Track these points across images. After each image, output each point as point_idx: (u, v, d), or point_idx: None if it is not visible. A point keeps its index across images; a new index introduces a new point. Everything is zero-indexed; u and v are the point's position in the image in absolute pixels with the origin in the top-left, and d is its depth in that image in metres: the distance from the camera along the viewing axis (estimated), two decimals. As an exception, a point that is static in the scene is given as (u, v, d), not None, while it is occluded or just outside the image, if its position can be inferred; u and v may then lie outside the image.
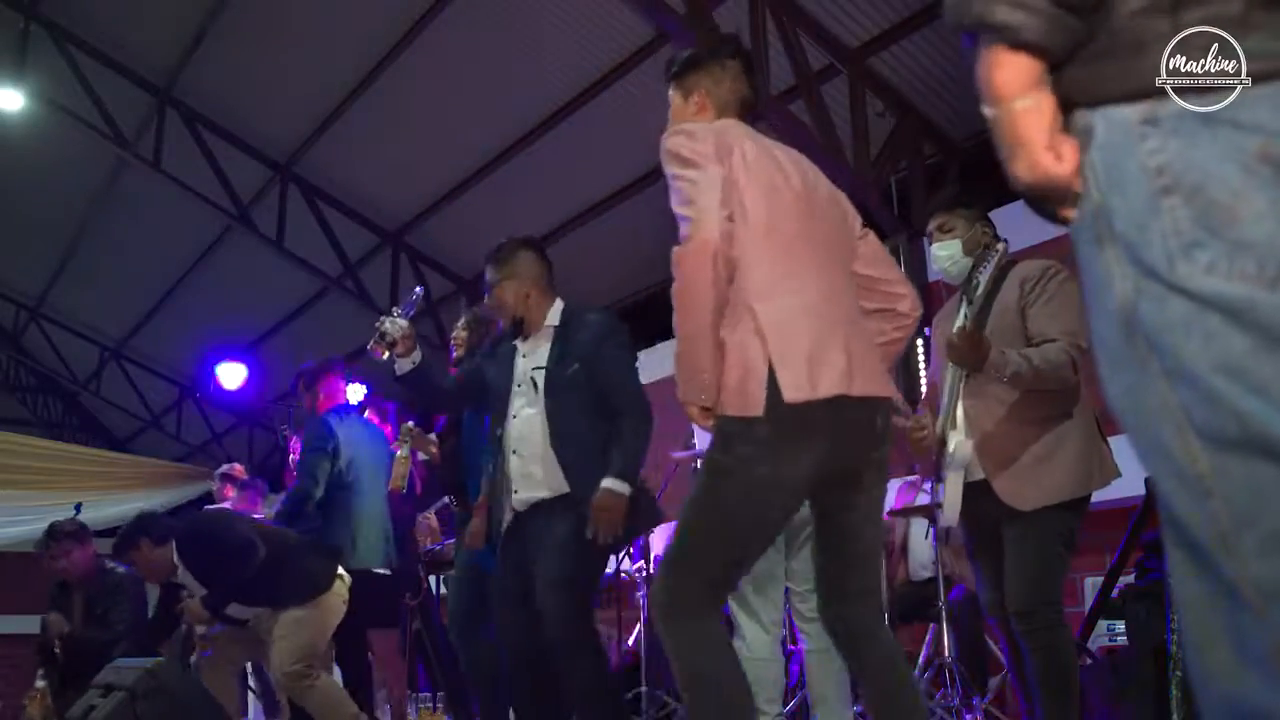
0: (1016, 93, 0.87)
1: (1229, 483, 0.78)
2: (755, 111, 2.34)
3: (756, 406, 1.93)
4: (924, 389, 3.18)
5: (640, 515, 3.09)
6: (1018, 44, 0.86)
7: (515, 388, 3.17)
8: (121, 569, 5.54)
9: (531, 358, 3.17)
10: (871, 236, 2.30)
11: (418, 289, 3.51)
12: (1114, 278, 0.83)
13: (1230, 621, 0.78)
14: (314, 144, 8.44)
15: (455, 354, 4.04)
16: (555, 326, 3.19)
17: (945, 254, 2.94)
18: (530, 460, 3.08)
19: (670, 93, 2.34)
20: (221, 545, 3.98)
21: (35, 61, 8.24)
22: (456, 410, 3.71)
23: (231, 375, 10.75)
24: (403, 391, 3.43)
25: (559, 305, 3.26)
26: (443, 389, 3.41)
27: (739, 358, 1.98)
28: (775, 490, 1.98)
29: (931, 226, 3.01)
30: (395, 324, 3.20)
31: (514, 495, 3.11)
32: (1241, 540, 0.77)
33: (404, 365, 3.24)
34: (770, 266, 2.02)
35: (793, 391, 1.92)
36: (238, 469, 6.97)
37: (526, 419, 3.11)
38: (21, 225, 10.86)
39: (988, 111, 0.89)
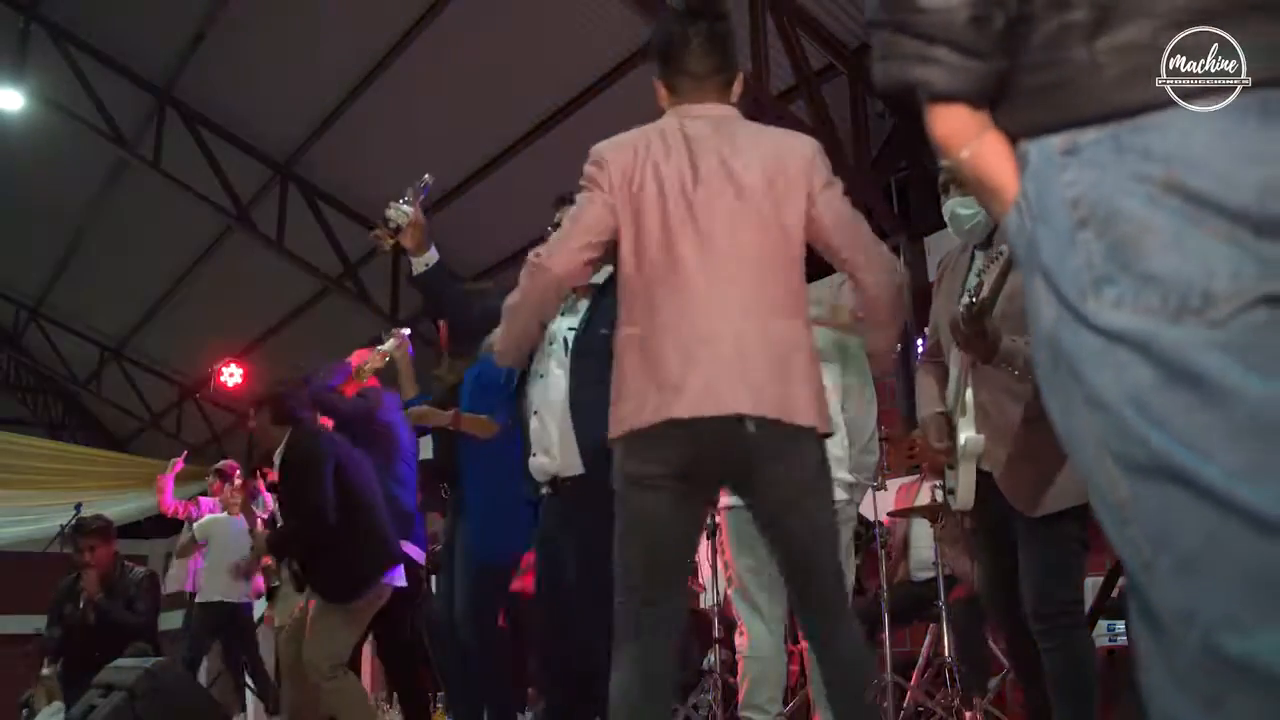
0: (960, 143, 0.90)
1: (1144, 508, 0.79)
2: (702, 81, 2.21)
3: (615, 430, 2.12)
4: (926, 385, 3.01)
5: None
6: (936, 97, 0.89)
7: (548, 346, 2.96)
8: (139, 569, 5.65)
9: (569, 316, 2.98)
10: (831, 196, 2.15)
11: (427, 176, 3.13)
12: (1042, 304, 0.85)
13: (1158, 642, 0.80)
14: (314, 144, 8.44)
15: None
16: (596, 286, 2.98)
17: (968, 212, 2.66)
18: (548, 424, 2.90)
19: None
20: (301, 489, 3.82)
21: (35, 61, 8.24)
22: (474, 329, 3.22)
23: (231, 375, 10.76)
24: (422, 299, 3.22)
25: (607, 269, 2.93)
26: (462, 295, 3.16)
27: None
28: (636, 513, 2.11)
29: (946, 179, 2.70)
30: (400, 210, 2.93)
31: (531, 459, 2.95)
32: (1158, 563, 0.78)
33: (418, 265, 2.99)
34: (631, 296, 2.15)
35: (616, 426, 2.10)
36: (231, 465, 7.03)
37: (554, 380, 2.92)
38: (21, 225, 10.85)
39: (944, 164, 0.93)
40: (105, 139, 8.52)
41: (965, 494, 2.67)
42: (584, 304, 2.98)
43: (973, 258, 2.74)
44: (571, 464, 2.84)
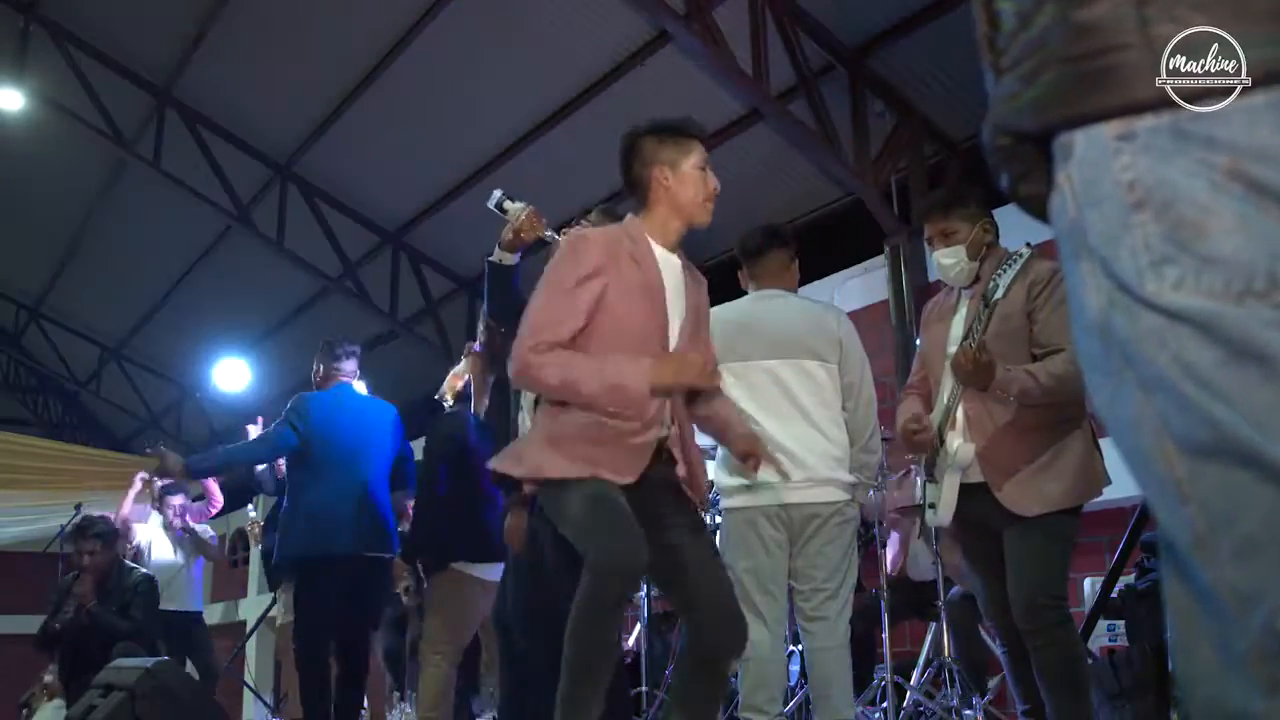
0: None
1: (1204, 488, 0.79)
2: None
3: None
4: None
5: None
6: None
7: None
8: (140, 571, 5.64)
9: None
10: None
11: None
12: (1089, 290, 0.85)
13: (1211, 625, 0.80)
14: (314, 144, 8.43)
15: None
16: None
17: (950, 261, 2.87)
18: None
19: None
20: (429, 452, 4.03)
21: (35, 61, 8.24)
22: (518, 308, 3.54)
23: (231, 375, 10.76)
24: (488, 284, 3.34)
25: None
26: (517, 298, 3.26)
27: None
28: None
29: (930, 232, 2.93)
30: (520, 206, 3.18)
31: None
32: (1218, 545, 0.78)
33: (506, 258, 3.23)
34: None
35: None
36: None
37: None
38: (21, 225, 10.86)
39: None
40: (105, 139, 8.52)
41: (945, 510, 2.77)
42: None
43: (958, 299, 2.93)
44: None
